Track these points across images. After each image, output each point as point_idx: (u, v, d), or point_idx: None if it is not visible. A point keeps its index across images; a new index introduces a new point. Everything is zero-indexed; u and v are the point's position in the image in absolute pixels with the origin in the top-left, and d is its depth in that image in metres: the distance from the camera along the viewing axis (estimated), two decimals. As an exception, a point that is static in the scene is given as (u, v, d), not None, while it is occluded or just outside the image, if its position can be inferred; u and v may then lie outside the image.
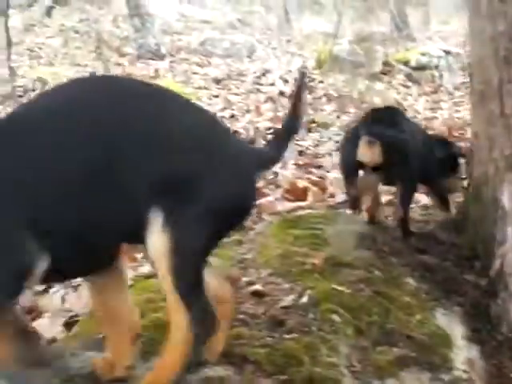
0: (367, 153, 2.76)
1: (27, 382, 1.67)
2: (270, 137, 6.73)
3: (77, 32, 14.26)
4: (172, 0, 19.73)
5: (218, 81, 10.19)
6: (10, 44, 7.43)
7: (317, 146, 6.32)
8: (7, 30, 7.32)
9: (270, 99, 8.98)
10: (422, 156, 2.93)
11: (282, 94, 9.34)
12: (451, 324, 2.32)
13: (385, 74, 10.41)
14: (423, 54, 10.63)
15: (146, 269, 2.88)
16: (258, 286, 2.22)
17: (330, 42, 11.84)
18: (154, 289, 2.24)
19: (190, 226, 1.53)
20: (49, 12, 15.82)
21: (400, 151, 2.79)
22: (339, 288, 2.22)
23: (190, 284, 1.56)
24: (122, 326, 1.72)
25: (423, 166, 2.93)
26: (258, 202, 3.77)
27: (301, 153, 5.83)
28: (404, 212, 2.91)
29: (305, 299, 2.12)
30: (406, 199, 2.94)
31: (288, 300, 2.13)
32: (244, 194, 1.67)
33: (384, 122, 2.87)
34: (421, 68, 10.48)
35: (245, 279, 2.32)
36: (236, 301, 1.99)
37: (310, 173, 4.91)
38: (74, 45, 13.18)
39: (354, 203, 3.07)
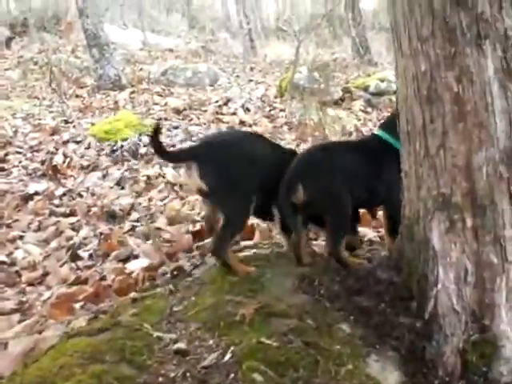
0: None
1: None
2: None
3: (36, 63, 14.15)
4: (136, 29, 19.76)
5: (178, 111, 10.13)
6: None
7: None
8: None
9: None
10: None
11: (242, 123, 9.32)
12: (385, 371, 2.26)
13: (344, 100, 10.46)
14: (382, 80, 10.69)
15: (79, 323, 2.81)
16: (181, 344, 2.14)
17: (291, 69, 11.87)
18: (72, 351, 2.16)
19: None
20: (8, 43, 15.71)
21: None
22: (267, 341, 2.15)
23: None
24: None
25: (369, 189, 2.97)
26: (202, 243, 3.70)
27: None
28: (332, 247, 2.91)
29: (228, 357, 2.05)
30: (333, 234, 2.94)
31: (210, 358, 2.05)
32: None
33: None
34: (380, 93, 10.53)
35: (170, 336, 2.24)
36: (158, 362, 1.93)
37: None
38: (33, 76, 13.07)
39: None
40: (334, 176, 2.90)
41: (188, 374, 1.96)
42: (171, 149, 7.67)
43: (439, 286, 2.40)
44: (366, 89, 10.93)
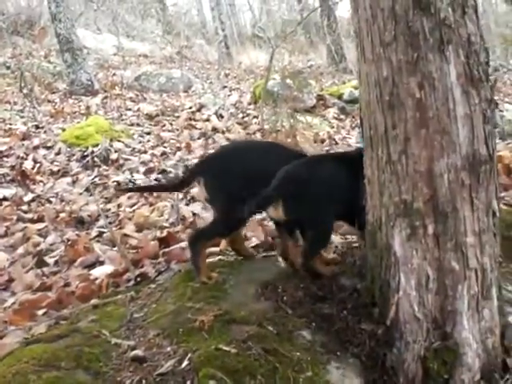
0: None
1: None
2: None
3: (8, 68, 14.00)
4: (110, 34, 19.67)
5: (151, 117, 10.07)
6: None
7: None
8: None
9: (204, 135, 8.91)
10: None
11: (215, 129, 9.29)
12: (345, 378, 2.24)
13: (318, 107, 10.48)
14: (355, 88, 10.72)
15: (40, 330, 2.77)
16: (138, 351, 2.11)
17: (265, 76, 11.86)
18: (29, 358, 2.12)
19: None
20: (-20, 47, 15.58)
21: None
22: (225, 348, 2.12)
23: None
24: None
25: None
26: (168, 250, 3.67)
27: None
28: (306, 260, 2.83)
29: (185, 364, 2.02)
30: (311, 249, 2.87)
31: (167, 365, 2.02)
32: None
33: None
34: (354, 101, 10.54)
35: (128, 343, 2.21)
36: (115, 369, 1.90)
37: (232, 213, 4.83)
38: (5, 81, 12.93)
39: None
40: (320, 195, 2.80)
41: (144, 382, 1.93)
42: (142, 155, 7.70)
43: (400, 292, 2.39)
44: (340, 96, 10.99)
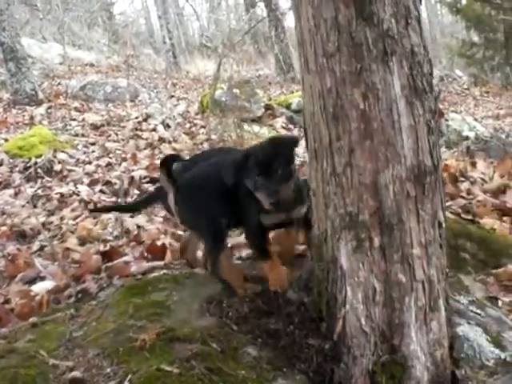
0: None
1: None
2: (145, 186, 6.54)
3: None
4: (56, 43, 19.35)
5: (96, 127, 9.89)
6: None
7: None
8: None
9: (150, 145, 8.79)
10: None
11: (162, 139, 9.16)
12: (292, 395, 2.19)
13: (266, 117, 10.46)
14: (303, 97, 10.73)
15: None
16: (77, 373, 2.02)
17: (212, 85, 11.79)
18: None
19: None
20: None
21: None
22: (167, 368, 2.05)
23: None
24: None
25: None
26: (111, 264, 3.57)
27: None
28: (210, 265, 2.85)
29: (124, 385, 1.94)
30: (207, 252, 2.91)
31: (106, 388, 1.94)
32: None
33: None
34: (302, 111, 10.48)
35: (67, 363, 2.11)
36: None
37: (177, 226, 4.74)
38: None
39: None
40: (200, 196, 2.87)
41: (81, 407, 1.84)
42: (87, 166, 7.54)
43: (347, 306, 2.35)
44: (288, 106, 11.00)
